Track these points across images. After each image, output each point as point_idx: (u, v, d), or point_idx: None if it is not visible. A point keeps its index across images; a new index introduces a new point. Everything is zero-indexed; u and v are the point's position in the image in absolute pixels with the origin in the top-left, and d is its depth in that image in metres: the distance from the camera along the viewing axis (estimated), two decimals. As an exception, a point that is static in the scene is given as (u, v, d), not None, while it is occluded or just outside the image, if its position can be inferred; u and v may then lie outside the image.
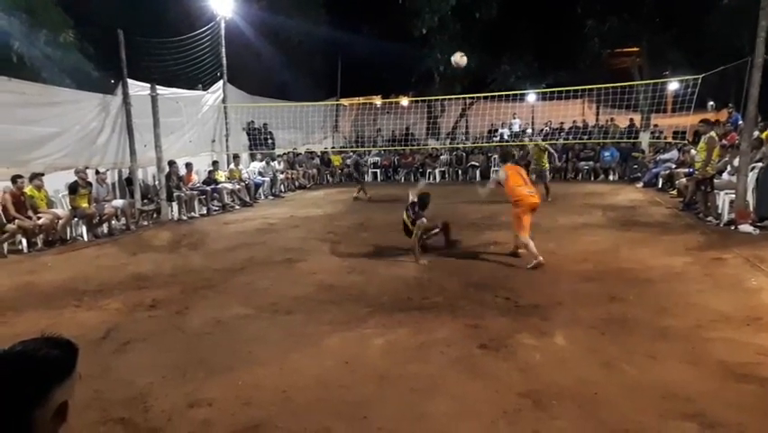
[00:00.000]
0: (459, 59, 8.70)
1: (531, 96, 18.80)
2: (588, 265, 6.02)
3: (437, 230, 7.00)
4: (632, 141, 16.06)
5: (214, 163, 12.70)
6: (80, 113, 9.81)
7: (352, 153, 18.47)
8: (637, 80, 16.12)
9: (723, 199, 8.14)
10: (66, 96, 9.84)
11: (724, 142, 9.55)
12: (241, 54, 15.77)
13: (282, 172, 15.25)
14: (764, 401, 2.95)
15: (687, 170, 10.55)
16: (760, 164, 7.95)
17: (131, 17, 12.49)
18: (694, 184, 8.92)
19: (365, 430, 2.84)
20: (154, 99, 10.38)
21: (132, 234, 9.22)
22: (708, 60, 12.08)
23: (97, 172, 9.48)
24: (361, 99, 21.02)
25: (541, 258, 5.97)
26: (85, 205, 8.66)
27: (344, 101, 21.30)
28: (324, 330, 4.28)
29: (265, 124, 16.11)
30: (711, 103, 17.20)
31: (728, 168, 8.66)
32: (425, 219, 6.47)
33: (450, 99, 18.59)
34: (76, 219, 8.68)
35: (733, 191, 7.82)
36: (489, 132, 18.98)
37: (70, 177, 8.83)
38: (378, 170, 18.15)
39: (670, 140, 14.60)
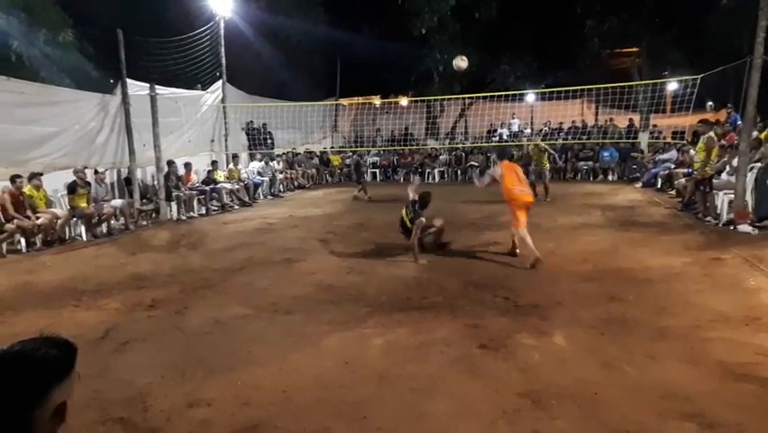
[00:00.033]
0: (460, 62, 8.68)
1: (530, 97, 18.81)
2: (587, 265, 6.02)
3: (434, 229, 6.95)
4: (631, 141, 16.08)
5: (213, 163, 12.69)
6: (79, 112, 9.80)
7: (351, 154, 18.52)
8: (636, 80, 16.15)
9: (722, 199, 8.15)
10: (65, 96, 9.83)
11: (723, 142, 9.56)
12: (240, 54, 15.76)
13: (281, 172, 15.25)
14: (764, 401, 2.96)
15: (686, 170, 10.57)
16: (759, 164, 7.96)
17: (130, 17, 12.48)
18: (693, 184, 8.93)
19: (365, 430, 2.84)
20: (153, 99, 10.37)
21: (130, 233, 9.21)
22: (708, 61, 12.09)
23: (96, 172, 9.47)
24: (361, 99, 21.03)
25: (538, 254, 6.02)
26: (83, 204, 8.65)
27: (343, 101, 21.31)
28: (324, 330, 4.28)
29: (264, 124, 16.10)
30: (710, 103, 17.23)
31: (727, 168, 8.67)
32: (423, 219, 6.47)
33: (449, 99, 18.60)
34: (74, 219, 8.66)
35: (732, 191, 7.83)
36: (489, 132, 18.99)
37: (69, 176, 8.81)
38: (377, 170, 18.15)
39: (669, 140, 14.60)
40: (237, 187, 12.61)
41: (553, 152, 13.06)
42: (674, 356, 3.56)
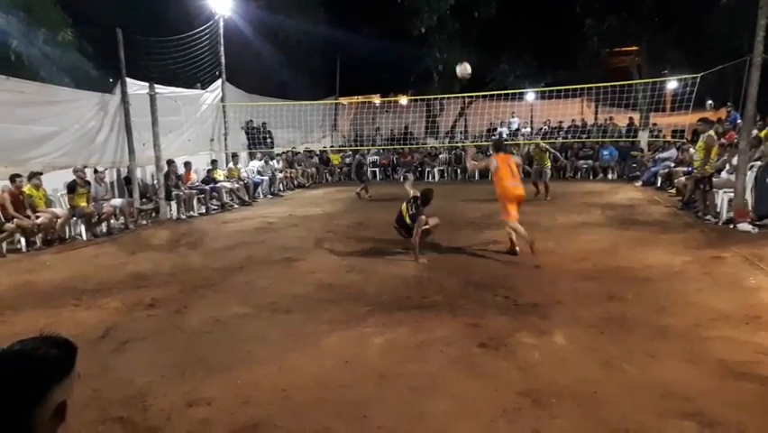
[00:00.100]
0: (464, 70, 8.63)
1: (530, 96, 18.80)
2: (587, 264, 6.02)
3: (428, 226, 6.89)
4: (631, 140, 16.08)
5: (213, 162, 12.69)
6: (79, 112, 9.80)
7: (351, 153, 18.52)
8: (636, 79, 16.13)
9: (722, 198, 8.15)
10: (64, 95, 9.83)
11: (722, 140, 9.56)
12: (239, 53, 15.76)
13: (281, 171, 15.25)
14: (764, 400, 2.96)
15: (686, 168, 10.57)
16: (759, 163, 7.96)
17: (129, 16, 12.47)
18: (693, 183, 8.93)
19: (365, 429, 2.84)
20: (153, 98, 10.36)
21: (130, 233, 9.21)
22: (708, 60, 12.08)
23: (96, 171, 9.47)
24: (360, 98, 21.04)
25: (531, 238, 6.27)
26: (83, 204, 8.65)
27: (343, 100, 21.32)
28: (324, 329, 4.28)
29: (264, 123, 16.10)
30: (710, 102, 17.24)
31: (727, 166, 8.67)
32: (423, 217, 6.46)
33: (449, 98, 18.59)
34: (74, 218, 8.66)
35: (732, 190, 7.82)
36: (488, 131, 18.98)
37: (69, 176, 8.81)
38: (377, 169, 18.15)
39: (668, 139, 14.61)
40: (237, 186, 12.61)
41: (553, 150, 13.06)
42: (674, 355, 3.56)
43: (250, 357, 3.79)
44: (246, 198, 12.73)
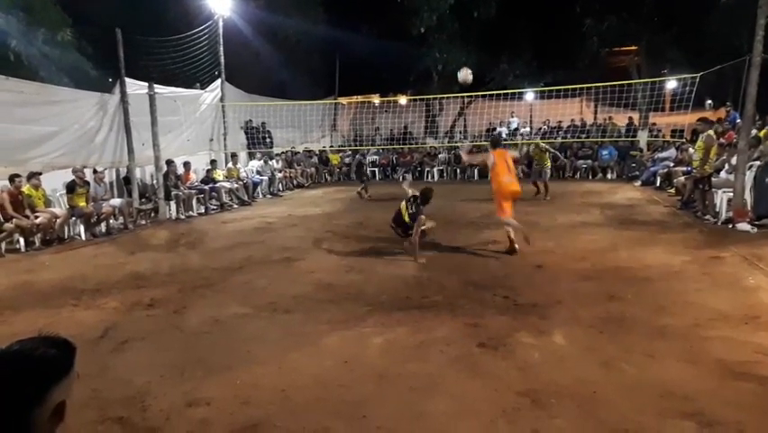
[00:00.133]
0: (466, 75, 8.62)
1: (529, 95, 18.81)
2: (586, 264, 6.02)
3: (424, 227, 6.87)
4: (630, 139, 16.09)
5: (213, 162, 12.68)
6: (78, 111, 9.79)
7: (350, 153, 18.51)
8: (636, 79, 16.13)
9: (721, 198, 8.16)
10: (64, 95, 9.82)
11: (722, 140, 9.56)
12: (239, 53, 15.76)
13: (280, 171, 15.25)
14: (763, 400, 2.96)
15: (685, 168, 10.58)
16: (758, 163, 7.96)
17: (129, 16, 12.45)
18: (692, 183, 8.93)
19: (364, 429, 2.84)
20: (152, 98, 10.36)
21: (129, 233, 9.21)
22: (707, 60, 12.09)
23: (95, 171, 9.46)
24: (360, 98, 21.04)
25: (517, 247, 6.41)
26: (82, 204, 8.64)
27: (343, 100, 21.31)
28: (323, 329, 4.27)
29: (263, 123, 16.09)
30: (709, 101, 17.22)
31: (726, 166, 8.68)
32: (423, 216, 6.46)
33: (448, 98, 18.60)
34: (73, 218, 8.66)
35: (731, 190, 7.83)
36: (488, 130, 18.95)
37: (68, 176, 8.80)
38: (376, 169, 18.15)
39: (668, 138, 14.62)
40: (236, 186, 12.61)
41: (553, 150, 13.07)
42: (673, 355, 3.56)
43: (249, 357, 3.79)
44: (245, 198, 12.73)
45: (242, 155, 15.13)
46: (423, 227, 6.65)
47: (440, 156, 17.80)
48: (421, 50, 19.40)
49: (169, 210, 10.62)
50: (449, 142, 19.21)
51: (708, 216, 8.26)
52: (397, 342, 3.98)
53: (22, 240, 7.78)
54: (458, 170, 17.17)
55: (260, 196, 13.77)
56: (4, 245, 7.53)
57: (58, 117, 9.36)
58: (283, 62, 18.64)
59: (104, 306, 5.11)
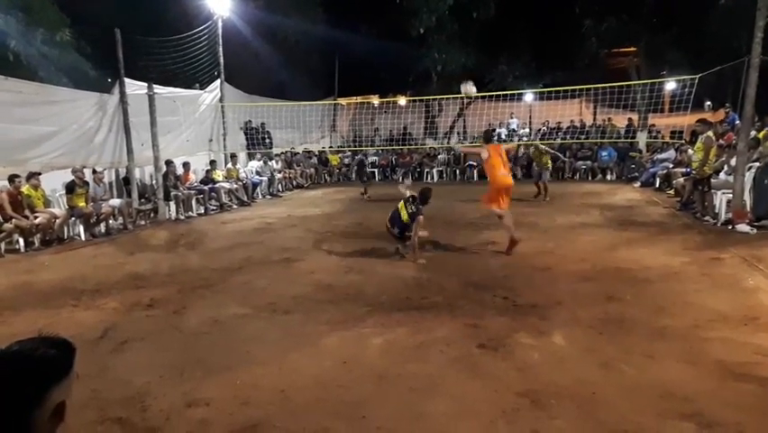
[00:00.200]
0: (469, 88, 8.66)
1: (528, 96, 18.83)
2: (585, 265, 6.03)
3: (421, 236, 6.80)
4: (629, 140, 16.10)
5: (212, 163, 12.67)
6: (77, 112, 9.78)
7: (350, 153, 18.51)
8: (635, 80, 16.16)
9: (720, 199, 8.17)
10: (63, 95, 9.81)
11: (721, 141, 9.58)
12: (238, 53, 15.75)
13: (280, 172, 15.24)
14: (762, 401, 2.96)
15: (684, 169, 10.58)
16: (757, 164, 7.98)
17: (128, 16, 12.44)
18: (691, 184, 8.94)
19: (364, 430, 2.84)
20: (151, 98, 10.35)
21: (129, 233, 9.20)
22: (706, 61, 12.12)
23: (94, 171, 9.46)
24: (359, 99, 21.06)
25: (516, 237, 6.60)
26: (82, 204, 8.64)
27: (342, 100, 21.32)
28: (323, 330, 4.27)
29: (262, 124, 16.09)
30: (708, 103, 17.25)
31: (725, 168, 8.69)
32: (421, 217, 6.44)
33: (447, 99, 18.61)
34: (73, 218, 8.65)
35: (730, 191, 7.84)
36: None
37: (67, 176, 8.80)
38: (375, 170, 18.15)
39: (667, 139, 14.63)
40: (236, 186, 12.60)
41: (553, 151, 13.07)
42: (673, 356, 3.56)
43: (249, 358, 3.79)
44: (245, 199, 12.72)
45: (242, 156, 15.12)
46: (423, 234, 6.63)
47: (439, 157, 17.80)
48: (420, 50, 19.42)
49: (169, 211, 10.62)
50: (448, 143, 19.22)
51: (707, 218, 8.27)
52: (397, 342, 3.98)
53: (21, 240, 7.78)
54: (457, 171, 17.17)
55: (260, 196, 13.76)
56: (3, 246, 7.53)
57: (57, 117, 9.35)
58: (282, 63, 18.64)
59: (103, 306, 5.10)
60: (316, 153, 18.42)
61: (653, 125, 16.43)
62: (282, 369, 3.59)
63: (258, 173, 14.06)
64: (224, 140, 14.41)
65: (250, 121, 15.92)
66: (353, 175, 16.39)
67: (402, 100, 20.70)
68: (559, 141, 16.12)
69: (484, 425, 2.83)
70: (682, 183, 9.74)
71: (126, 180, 10.26)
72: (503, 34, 19.01)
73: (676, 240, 7.07)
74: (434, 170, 17.24)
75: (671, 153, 12.92)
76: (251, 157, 15.33)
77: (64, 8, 12.40)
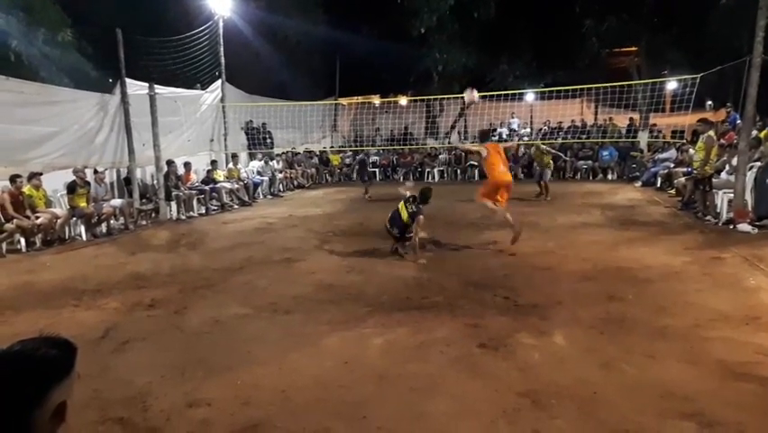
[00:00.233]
0: (471, 97, 8.68)
1: (529, 96, 18.80)
2: (586, 265, 6.02)
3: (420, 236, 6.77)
4: (630, 140, 16.08)
5: (213, 163, 12.68)
6: (78, 112, 9.80)
7: (351, 153, 18.50)
8: (636, 80, 16.14)
9: (721, 199, 8.16)
10: (64, 96, 9.83)
11: (722, 141, 9.56)
12: (239, 53, 15.77)
13: (281, 172, 15.25)
14: (763, 400, 2.96)
15: (685, 169, 10.57)
16: (758, 163, 7.96)
17: (129, 16, 12.47)
18: (693, 183, 8.93)
19: (364, 430, 2.84)
20: (152, 98, 10.36)
21: (130, 233, 9.21)
22: (708, 60, 12.10)
23: (96, 172, 9.47)
24: (360, 99, 21.06)
25: (514, 223, 6.70)
26: (83, 204, 8.65)
27: (343, 100, 21.32)
28: (323, 330, 4.27)
29: (263, 124, 16.10)
30: (709, 102, 17.24)
31: (727, 167, 8.67)
32: (422, 217, 6.44)
33: (448, 99, 18.59)
34: (74, 219, 8.66)
35: (731, 191, 7.83)
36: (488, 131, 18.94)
37: (69, 176, 8.81)
38: (376, 170, 18.15)
39: (668, 139, 14.61)
40: (237, 186, 12.61)
41: (554, 151, 13.07)
42: (674, 356, 3.56)
43: (249, 358, 3.79)
44: (246, 199, 12.73)
45: (243, 156, 15.14)
46: (419, 236, 6.61)
47: (440, 157, 17.79)
48: (421, 50, 19.42)
49: (170, 211, 10.63)
50: (449, 143, 19.21)
51: (708, 217, 8.26)
52: (398, 342, 3.98)
53: (23, 240, 7.79)
54: (458, 171, 17.17)
55: (261, 196, 13.77)
56: (5, 246, 7.54)
57: (58, 118, 9.36)
58: (283, 63, 18.66)
59: (104, 306, 5.11)
60: (317, 153, 18.43)
61: (655, 125, 16.41)
62: (283, 369, 3.59)
63: (259, 173, 14.07)
64: (225, 140, 14.41)
65: (251, 121, 15.93)
66: (354, 175, 16.39)
67: (403, 100, 20.69)
68: (560, 140, 16.11)
69: (485, 425, 2.83)
70: (684, 183, 9.73)
71: (127, 180, 10.27)
72: (504, 34, 19.01)
73: (677, 239, 7.06)
74: (435, 170, 17.24)
75: (672, 153, 12.91)
76: (252, 157, 15.35)
77: (65, 8, 12.43)
